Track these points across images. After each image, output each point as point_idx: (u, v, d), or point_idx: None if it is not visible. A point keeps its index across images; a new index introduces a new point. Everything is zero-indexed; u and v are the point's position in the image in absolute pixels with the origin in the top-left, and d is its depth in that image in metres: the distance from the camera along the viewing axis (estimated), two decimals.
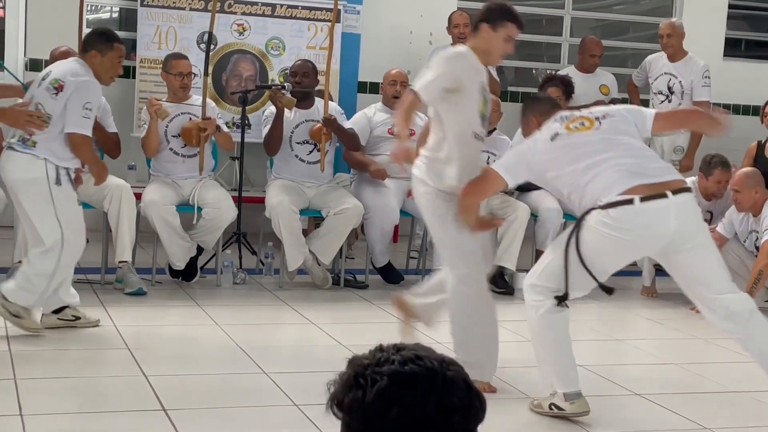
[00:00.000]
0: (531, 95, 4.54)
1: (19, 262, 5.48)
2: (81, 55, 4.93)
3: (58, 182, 4.74)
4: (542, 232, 6.59)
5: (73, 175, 4.87)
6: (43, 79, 4.88)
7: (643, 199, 3.74)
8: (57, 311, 4.97)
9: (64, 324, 4.95)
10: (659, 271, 6.85)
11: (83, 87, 4.78)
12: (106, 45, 4.86)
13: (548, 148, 4.00)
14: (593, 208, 3.81)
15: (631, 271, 7.16)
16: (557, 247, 3.99)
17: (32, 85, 4.98)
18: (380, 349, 1.63)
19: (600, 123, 4.04)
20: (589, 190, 3.86)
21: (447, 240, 4.24)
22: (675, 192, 3.79)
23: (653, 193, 3.77)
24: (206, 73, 6.37)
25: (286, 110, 6.25)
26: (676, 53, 7.49)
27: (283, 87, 6.48)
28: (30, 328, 4.80)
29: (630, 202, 3.74)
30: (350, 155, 6.49)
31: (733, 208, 6.15)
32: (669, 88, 7.47)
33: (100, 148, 6.04)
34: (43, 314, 4.98)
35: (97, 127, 5.86)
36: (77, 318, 5.00)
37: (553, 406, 4.00)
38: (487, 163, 6.61)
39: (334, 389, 1.62)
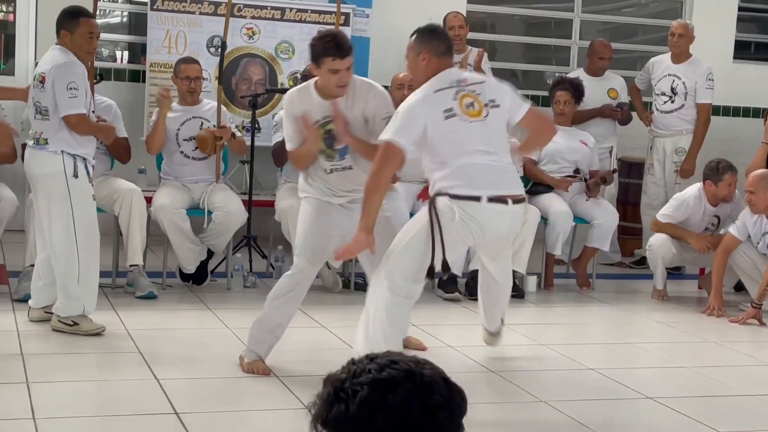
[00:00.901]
0: (423, 28, 4.45)
1: (31, 265, 5.50)
2: (57, 40, 4.94)
3: (75, 175, 4.82)
4: (552, 235, 6.59)
5: (91, 167, 4.94)
6: (34, 77, 4.97)
7: (489, 200, 4.10)
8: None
9: (49, 317, 4.99)
10: (671, 274, 6.85)
11: (61, 70, 4.82)
12: (73, 22, 4.89)
13: (439, 123, 4.11)
14: (442, 194, 4.10)
15: (642, 274, 7.17)
16: (410, 231, 4.18)
17: (31, 86, 5.04)
18: (353, 362, 1.63)
19: (487, 113, 4.19)
20: (448, 172, 4.11)
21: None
22: (514, 202, 4.16)
23: (497, 196, 4.12)
24: (220, 82, 6.38)
25: None
26: (681, 54, 7.47)
27: None
28: (90, 331, 4.87)
29: (477, 199, 4.08)
30: None
31: (747, 209, 6.13)
32: (672, 90, 7.46)
33: (110, 153, 6.06)
34: (31, 308, 5.08)
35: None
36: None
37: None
38: None
39: (315, 409, 1.61)
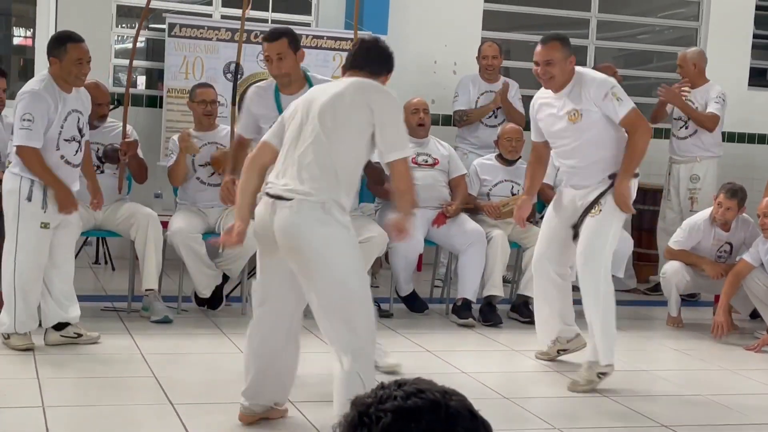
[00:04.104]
0: (558, 36, 5.11)
1: None
2: (49, 68, 5.00)
3: (29, 198, 4.90)
4: None
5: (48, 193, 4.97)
6: None
7: None
8: (59, 328, 5.14)
9: (67, 341, 5.12)
10: (686, 301, 6.83)
11: (23, 99, 4.89)
12: (60, 49, 4.93)
13: None
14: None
15: (657, 301, 7.15)
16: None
17: None
18: (382, 386, 1.62)
19: None
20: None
21: None
22: None
23: None
24: (233, 103, 6.42)
25: None
26: (693, 82, 7.47)
27: None
28: (18, 346, 4.97)
29: None
30: (376, 186, 6.52)
31: (762, 237, 6.12)
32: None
33: (129, 170, 6.11)
34: (46, 331, 5.15)
35: (134, 154, 5.98)
36: (79, 335, 5.17)
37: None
38: (512, 194, 6.65)
39: (340, 430, 1.61)
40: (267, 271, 3.88)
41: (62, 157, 4.99)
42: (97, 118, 5.90)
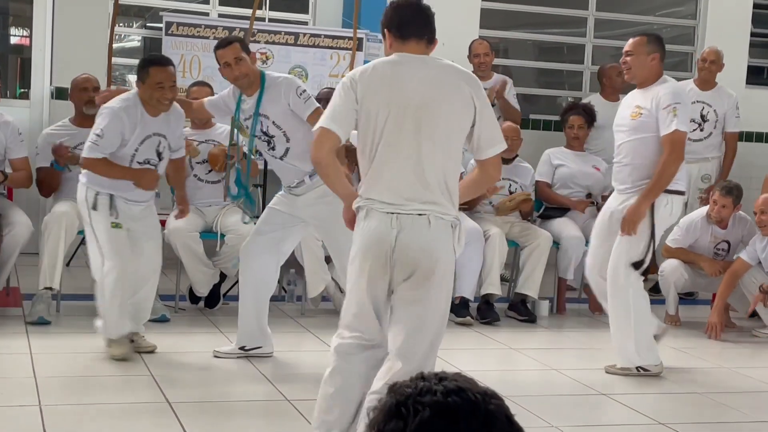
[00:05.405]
0: (656, 35, 5.17)
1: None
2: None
3: (94, 207, 4.90)
4: (564, 260, 6.58)
5: (122, 201, 4.95)
6: None
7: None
8: None
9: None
10: (683, 299, 6.82)
11: (102, 114, 4.90)
12: (143, 71, 4.91)
13: None
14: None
15: (655, 299, 7.14)
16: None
17: None
18: (422, 377, 1.60)
19: None
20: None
21: None
22: None
23: None
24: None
25: None
26: (708, 82, 7.46)
27: None
28: (115, 355, 4.91)
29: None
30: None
31: (758, 235, 6.13)
32: (702, 117, 7.43)
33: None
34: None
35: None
36: (131, 342, 5.11)
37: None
38: (509, 192, 6.64)
39: (374, 415, 1.58)
40: (370, 297, 3.35)
41: None
42: (84, 104, 5.94)
